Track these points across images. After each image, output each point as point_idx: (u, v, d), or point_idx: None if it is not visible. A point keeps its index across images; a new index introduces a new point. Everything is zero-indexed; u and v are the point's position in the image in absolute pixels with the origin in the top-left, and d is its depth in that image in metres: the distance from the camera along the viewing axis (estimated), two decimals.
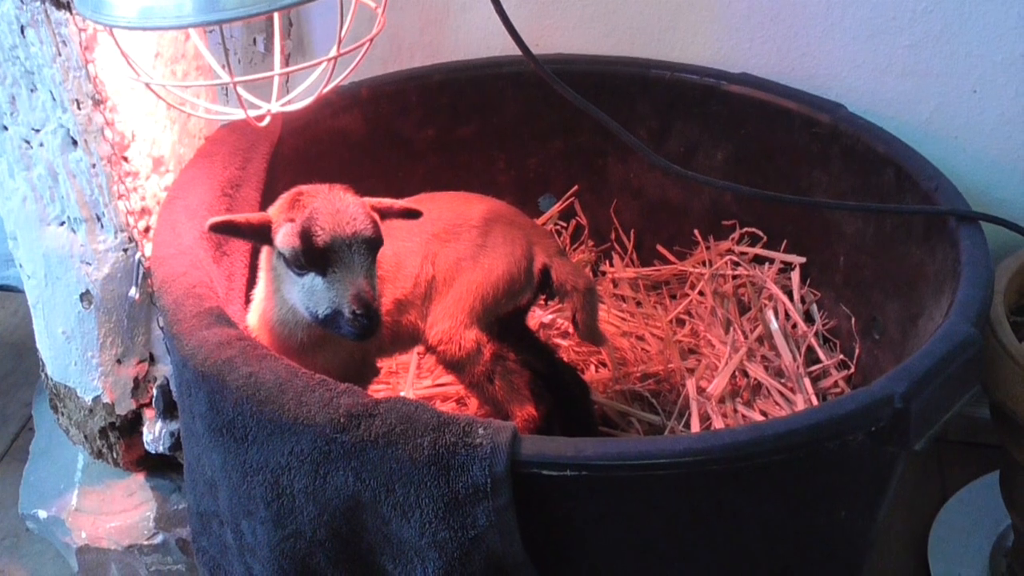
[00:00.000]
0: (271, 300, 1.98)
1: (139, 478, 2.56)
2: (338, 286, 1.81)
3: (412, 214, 1.98)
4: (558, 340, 2.63)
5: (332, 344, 2.01)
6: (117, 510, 2.55)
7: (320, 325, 1.87)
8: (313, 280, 1.84)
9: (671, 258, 2.92)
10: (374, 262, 1.86)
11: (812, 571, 1.92)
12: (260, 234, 1.88)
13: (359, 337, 1.83)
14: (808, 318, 2.69)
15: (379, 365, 2.35)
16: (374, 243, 1.84)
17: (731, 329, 2.68)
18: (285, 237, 1.83)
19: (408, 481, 1.60)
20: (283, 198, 1.90)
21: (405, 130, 2.74)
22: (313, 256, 1.81)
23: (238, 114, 1.97)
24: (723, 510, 1.71)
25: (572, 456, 1.58)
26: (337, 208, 1.83)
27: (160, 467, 2.55)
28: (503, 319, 2.16)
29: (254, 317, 2.03)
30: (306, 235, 1.80)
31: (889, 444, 1.69)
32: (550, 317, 2.70)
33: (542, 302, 2.25)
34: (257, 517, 1.78)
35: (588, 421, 2.40)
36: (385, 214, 1.93)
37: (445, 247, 2.13)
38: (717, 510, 1.71)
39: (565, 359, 2.43)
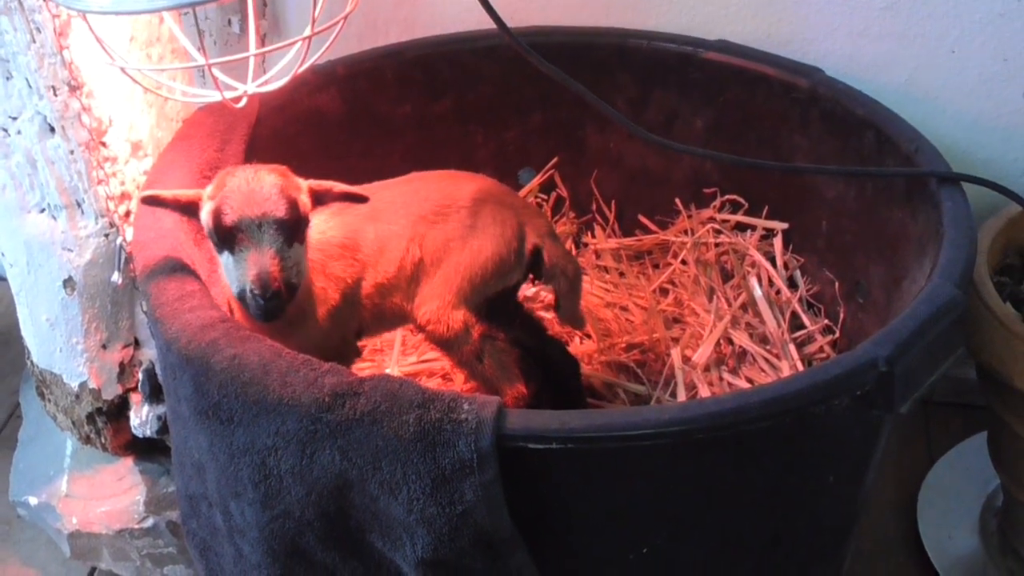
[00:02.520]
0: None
1: (128, 462, 2.56)
2: (244, 265, 1.82)
3: (356, 198, 1.97)
4: (541, 313, 2.62)
5: (303, 324, 2.01)
6: (107, 495, 2.55)
7: (239, 302, 1.88)
8: (226, 259, 1.86)
9: (653, 228, 2.92)
10: (290, 243, 1.85)
11: (801, 537, 1.93)
12: (186, 210, 1.92)
13: (261, 318, 1.85)
14: (792, 284, 2.69)
15: (365, 343, 2.35)
16: (286, 224, 1.83)
17: (715, 297, 2.68)
18: (204, 215, 1.87)
19: (394, 458, 1.60)
20: (216, 177, 1.91)
21: (382, 107, 2.73)
22: (222, 235, 1.83)
23: (214, 96, 1.96)
24: (710, 479, 1.71)
25: (557, 429, 1.58)
26: (251, 188, 1.84)
27: (148, 451, 2.55)
28: (494, 299, 2.16)
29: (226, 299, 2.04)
30: (217, 214, 1.83)
31: (874, 408, 1.70)
32: (533, 290, 2.70)
33: (530, 281, 2.24)
34: (245, 499, 1.78)
35: (578, 398, 2.40)
36: (322, 197, 1.93)
37: (433, 228, 2.12)
38: (704, 479, 1.71)
39: (550, 333, 2.42)
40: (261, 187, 1.84)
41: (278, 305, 1.83)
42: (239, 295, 1.85)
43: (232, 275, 1.85)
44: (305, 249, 1.92)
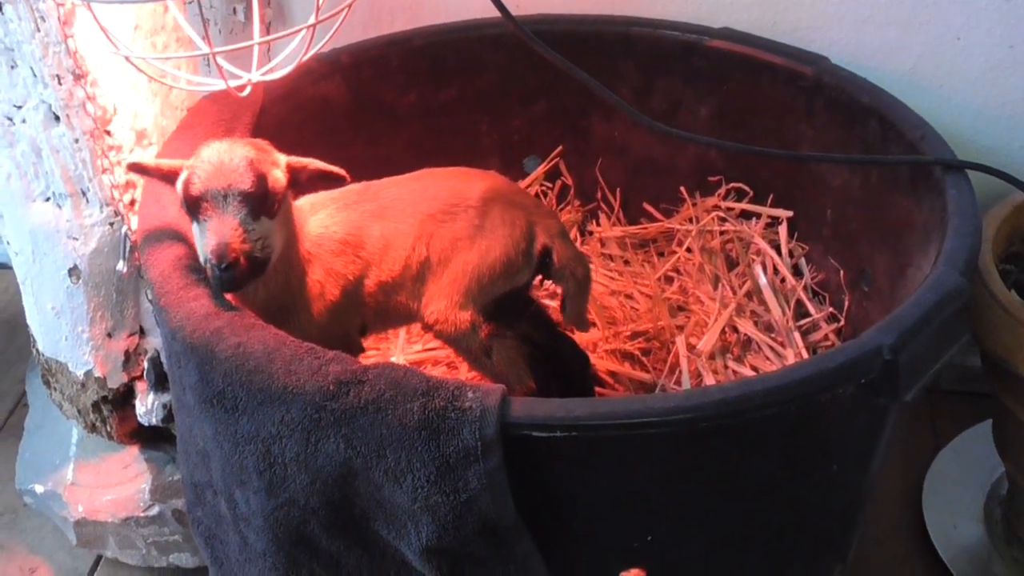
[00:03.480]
0: None
1: (133, 451, 2.56)
2: (207, 235, 1.81)
3: (333, 176, 1.96)
4: (547, 301, 2.62)
5: (292, 314, 2.01)
6: (113, 483, 2.56)
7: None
8: (195, 228, 1.86)
9: (658, 216, 2.92)
10: (255, 216, 1.84)
11: (806, 526, 1.93)
12: (167, 178, 1.92)
13: (217, 288, 1.85)
14: (797, 272, 2.69)
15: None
16: (252, 197, 1.83)
17: (720, 285, 2.68)
18: (177, 184, 1.87)
19: (399, 446, 1.60)
20: (198, 148, 1.92)
21: (387, 95, 2.73)
22: (190, 204, 1.84)
23: (219, 85, 1.96)
24: (715, 467, 1.71)
25: (562, 417, 1.58)
26: (220, 160, 1.84)
27: (154, 439, 2.55)
28: (501, 298, 2.15)
29: None
30: (186, 184, 1.84)
31: (879, 396, 1.70)
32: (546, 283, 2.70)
33: (538, 281, 2.24)
34: (250, 487, 1.78)
35: (587, 392, 2.39)
36: (299, 173, 1.93)
37: (441, 227, 2.11)
38: (709, 467, 1.71)
39: (558, 325, 2.42)
40: (231, 159, 1.84)
41: (235, 277, 1.81)
42: (203, 264, 1.85)
43: (199, 244, 1.86)
44: (279, 227, 1.90)
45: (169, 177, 1.91)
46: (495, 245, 2.11)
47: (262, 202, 1.84)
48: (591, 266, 2.40)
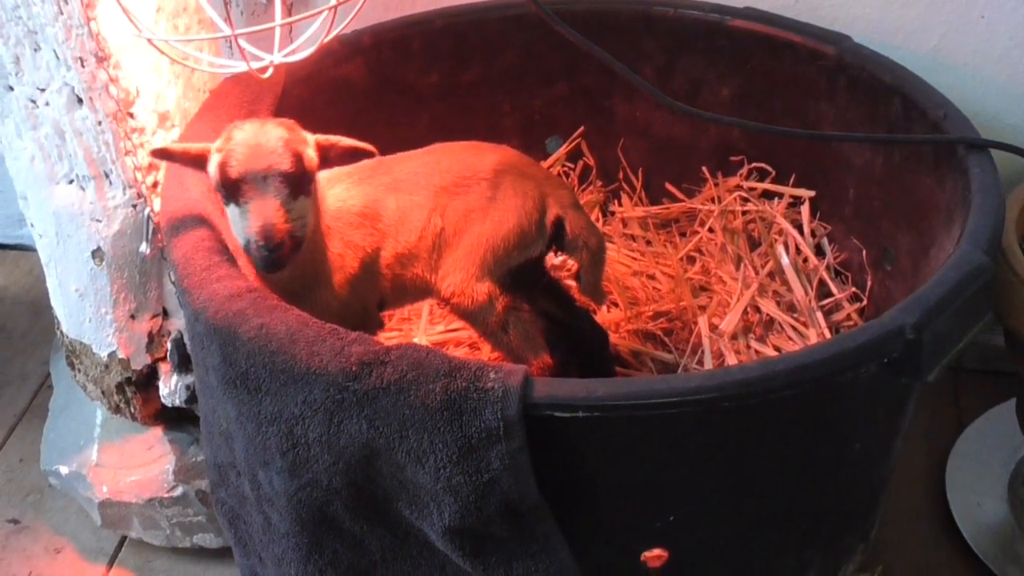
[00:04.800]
0: None
1: (157, 432, 2.57)
2: (249, 217, 1.82)
3: (362, 152, 1.97)
4: (569, 281, 2.62)
5: (316, 289, 2.02)
6: (136, 464, 2.57)
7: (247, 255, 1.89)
8: (232, 211, 1.86)
9: (680, 196, 2.92)
10: (295, 196, 1.85)
11: (828, 505, 1.93)
12: (196, 163, 1.92)
13: (263, 269, 1.86)
14: (819, 252, 2.68)
15: (391, 313, 2.35)
16: (292, 177, 1.84)
17: (742, 265, 2.68)
18: (211, 168, 1.87)
19: (421, 427, 1.60)
20: (225, 130, 1.92)
21: (409, 76, 2.73)
22: (228, 187, 1.84)
23: (241, 67, 1.96)
24: (737, 447, 1.71)
25: (584, 397, 1.58)
26: (257, 142, 1.84)
27: (177, 420, 2.56)
28: (517, 270, 2.16)
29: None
30: (223, 167, 1.84)
31: (902, 376, 1.69)
32: (561, 258, 2.70)
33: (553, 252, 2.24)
34: (273, 467, 1.79)
35: (607, 369, 2.40)
36: (329, 151, 1.93)
37: (454, 200, 2.12)
38: (731, 447, 1.71)
39: (577, 301, 2.42)
40: (267, 140, 1.85)
41: (281, 257, 1.83)
42: (244, 247, 1.86)
43: (238, 227, 1.86)
44: (312, 204, 1.92)
45: (197, 161, 1.91)
46: (508, 216, 2.12)
47: (300, 181, 1.86)
48: (608, 242, 2.40)
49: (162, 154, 1.95)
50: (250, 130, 1.87)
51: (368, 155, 1.97)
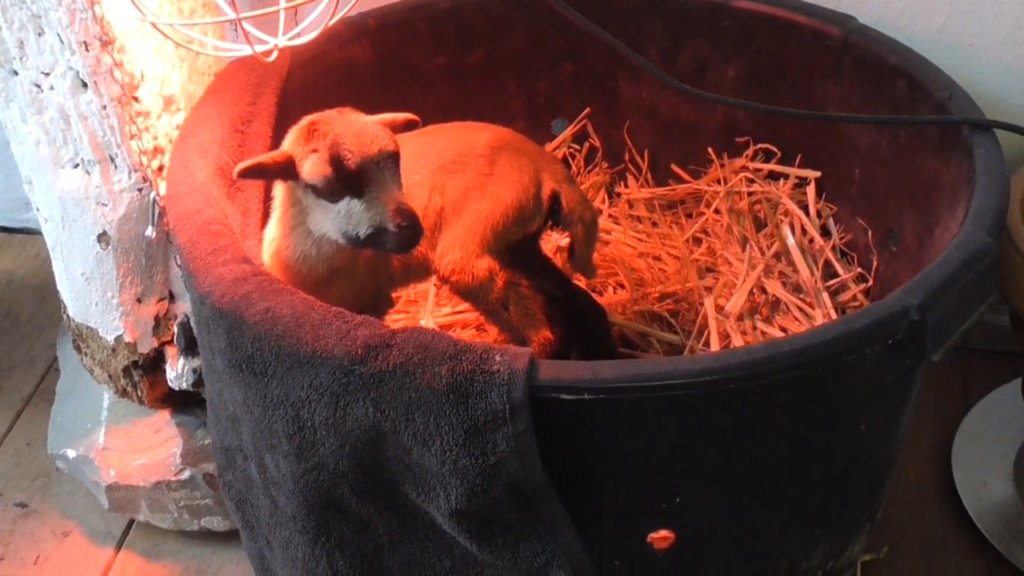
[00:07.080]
0: (289, 237, 1.97)
1: (164, 415, 2.58)
2: (377, 204, 1.81)
3: (412, 124, 1.98)
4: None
5: (347, 276, 2.01)
6: (144, 447, 2.58)
7: (361, 246, 1.87)
8: (350, 204, 1.83)
9: (686, 177, 2.91)
10: (399, 174, 1.86)
11: (834, 485, 1.93)
12: (286, 171, 1.87)
13: (405, 248, 1.85)
14: (825, 232, 2.68)
15: (398, 295, 2.35)
16: (397, 157, 1.85)
17: (748, 246, 2.67)
18: (313, 167, 1.83)
19: (427, 410, 1.61)
20: (296, 131, 1.89)
21: (414, 59, 2.73)
22: (346, 180, 1.82)
23: (246, 50, 1.96)
24: (743, 428, 1.71)
25: (589, 379, 1.59)
26: (358, 130, 1.83)
27: (184, 404, 2.57)
28: (515, 246, 2.16)
29: (267, 257, 2.03)
30: (336, 161, 1.81)
31: (907, 356, 1.70)
32: (566, 240, 2.70)
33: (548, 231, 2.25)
34: (280, 451, 1.79)
35: (606, 343, 2.40)
36: (392, 129, 1.92)
37: (452, 178, 2.13)
38: (737, 428, 1.71)
39: (566, 274, 2.43)
40: (366, 126, 1.85)
41: (420, 231, 1.83)
42: (371, 236, 1.84)
43: (362, 218, 1.83)
44: None
45: (286, 168, 1.87)
46: (506, 192, 2.13)
47: (399, 159, 1.87)
48: (614, 223, 2.40)
49: (248, 173, 1.87)
50: (344, 121, 1.86)
51: (415, 125, 1.99)
